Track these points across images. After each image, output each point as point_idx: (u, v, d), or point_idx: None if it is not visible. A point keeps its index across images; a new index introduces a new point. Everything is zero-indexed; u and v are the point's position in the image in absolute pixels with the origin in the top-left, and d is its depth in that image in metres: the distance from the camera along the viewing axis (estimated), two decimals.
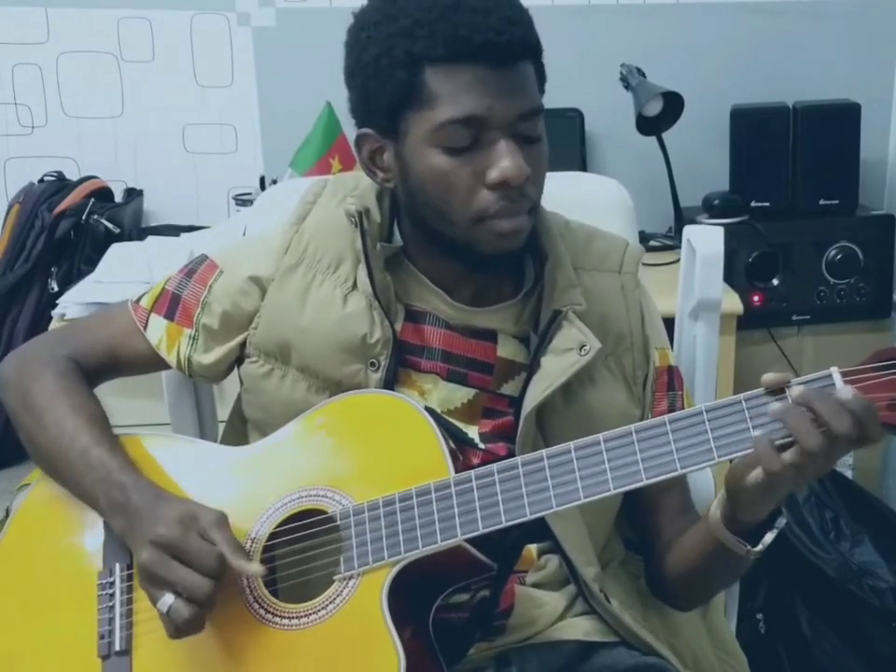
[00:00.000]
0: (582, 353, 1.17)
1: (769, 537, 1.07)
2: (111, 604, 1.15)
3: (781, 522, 1.07)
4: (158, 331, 1.29)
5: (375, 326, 1.19)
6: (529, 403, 1.17)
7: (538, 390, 1.17)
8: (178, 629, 1.06)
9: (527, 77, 1.11)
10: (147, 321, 1.30)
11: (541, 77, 1.14)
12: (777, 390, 1.00)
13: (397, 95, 1.10)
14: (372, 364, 1.19)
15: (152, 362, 1.31)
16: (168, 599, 1.05)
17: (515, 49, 1.08)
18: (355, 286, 1.21)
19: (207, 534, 1.07)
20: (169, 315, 1.29)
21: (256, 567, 1.08)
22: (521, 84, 1.10)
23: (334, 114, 2.32)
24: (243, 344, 1.27)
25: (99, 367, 1.30)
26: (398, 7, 1.10)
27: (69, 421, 1.20)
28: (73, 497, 1.20)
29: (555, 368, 1.17)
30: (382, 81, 1.11)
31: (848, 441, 0.96)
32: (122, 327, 1.31)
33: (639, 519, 1.29)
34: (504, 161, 1.09)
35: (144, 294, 1.32)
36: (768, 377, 1.00)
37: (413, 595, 1.09)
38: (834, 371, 0.99)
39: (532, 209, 1.15)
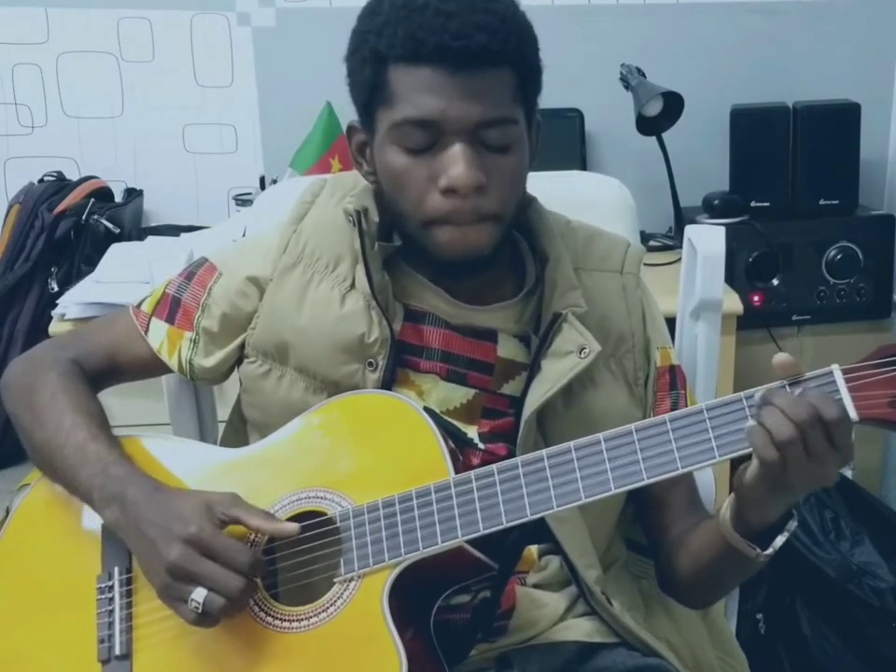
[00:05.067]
0: (582, 355, 1.17)
1: (779, 540, 1.05)
2: (111, 608, 1.15)
3: (792, 525, 1.05)
4: (159, 335, 1.29)
5: (373, 325, 1.19)
6: (529, 407, 1.16)
7: (538, 393, 1.16)
8: (202, 619, 1.05)
9: (495, 84, 1.08)
10: (149, 325, 1.30)
11: (526, 87, 1.11)
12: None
13: (366, 91, 1.11)
14: (370, 364, 1.19)
15: (154, 366, 1.31)
16: (202, 591, 1.04)
17: (475, 55, 1.06)
18: (353, 285, 1.21)
19: (229, 515, 1.07)
20: (170, 319, 1.29)
21: (292, 527, 1.08)
22: (483, 91, 1.07)
23: (334, 114, 2.32)
24: (242, 346, 1.27)
25: (101, 371, 1.30)
26: (383, 3, 1.10)
27: (68, 417, 1.20)
28: (71, 499, 1.19)
29: (555, 370, 1.16)
30: (356, 76, 1.12)
31: (812, 428, 0.94)
32: (124, 331, 1.31)
33: (646, 516, 1.28)
34: (455, 168, 1.08)
35: (145, 298, 1.32)
36: (779, 357, 0.99)
37: (414, 597, 1.09)
38: (835, 369, 0.99)
39: (492, 219, 1.12)
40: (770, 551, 1.06)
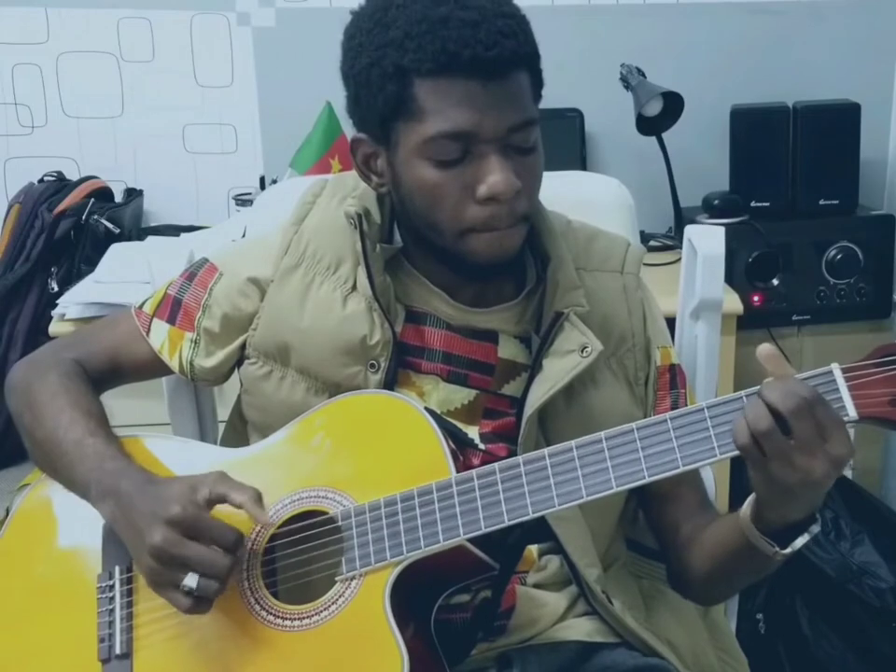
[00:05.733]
0: (584, 354, 1.17)
1: (799, 541, 1.04)
2: (111, 607, 1.15)
3: (815, 528, 1.04)
4: (160, 336, 1.29)
5: (375, 327, 1.19)
6: (531, 406, 1.16)
7: (539, 392, 1.16)
8: (197, 605, 1.05)
9: (519, 88, 1.09)
10: (150, 326, 1.30)
11: (537, 84, 1.13)
12: None
13: (387, 107, 1.10)
14: (372, 366, 1.19)
15: (155, 367, 1.31)
16: (194, 576, 1.04)
17: (505, 62, 1.06)
18: (354, 287, 1.21)
19: (215, 492, 1.07)
20: (171, 320, 1.29)
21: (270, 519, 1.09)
22: (512, 97, 1.08)
23: (334, 114, 2.32)
24: (243, 346, 1.27)
25: (103, 372, 1.30)
26: (390, 16, 1.08)
27: (66, 415, 1.20)
28: (71, 498, 1.19)
29: (557, 369, 1.17)
30: (373, 92, 1.10)
31: (797, 416, 0.94)
32: (126, 332, 1.31)
33: (656, 514, 1.28)
34: (493, 176, 1.08)
35: (147, 299, 1.33)
36: (764, 347, 0.99)
37: (414, 595, 1.09)
38: (835, 368, 0.99)
39: (524, 219, 1.14)
40: (789, 550, 1.05)
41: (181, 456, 1.23)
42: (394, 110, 1.09)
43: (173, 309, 1.29)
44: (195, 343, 1.28)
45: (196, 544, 1.05)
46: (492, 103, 1.07)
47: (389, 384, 1.20)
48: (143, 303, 1.32)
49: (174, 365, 1.30)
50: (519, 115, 1.09)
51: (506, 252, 1.14)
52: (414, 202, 1.13)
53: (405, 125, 1.09)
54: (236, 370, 1.30)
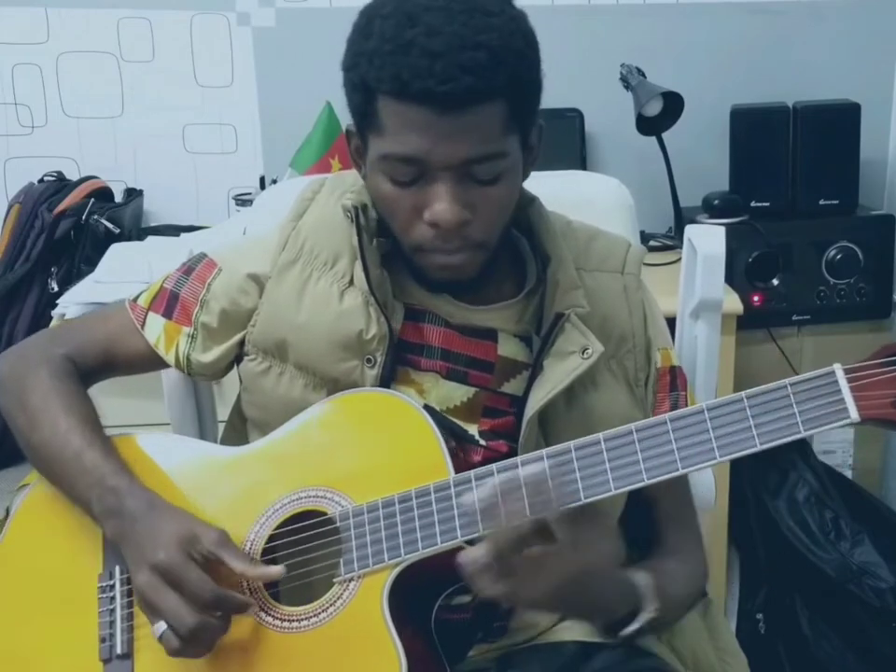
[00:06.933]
0: (585, 356, 1.16)
1: (629, 629, 1.08)
2: (112, 607, 1.15)
3: (643, 617, 1.08)
4: (156, 330, 1.29)
5: (371, 322, 1.19)
6: (532, 407, 1.16)
7: (540, 394, 1.16)
8: (174, 652, 1.06)
9: (484, 120, 1.05)
10: (145, 320, 1.29)
11: (521, 114, 1.09)
12: None
13: (357, 115, 1.11)
14: (368, 360, 1.19)
15: (150, 361, 1.31)
16: (161, 626, 1.05)
17: (460, 97, 1.03)
18: (351, 282, 1.21)
19: (213, 553, 1.07)
20: (167, 314, 1.28)
21: (277, 569, 1.09)
22: (470, 129, 1.05)
23: (334, 114, 2.32)
24: (241, 343, 1.26)
25: (95, 366, 1.30)
26: (373, 25, 1.07)
27: (62, 422, 1.20)
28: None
29: (558, 371, 1.16)
30: (348, 96, 1.12)
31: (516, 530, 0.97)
32: (120, 325, 1.31)
33: (643, 523, 1.28)
34: (438, 205, 1.08)
35: (141, 292, 1.32)
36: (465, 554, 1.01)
37: (413, 597, 1.09)
38: (837, 368, 0.99)
39: (477, 247, 1.13)
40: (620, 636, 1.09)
41: (177, 457, 1.22)
42: (362, 119, 1.10)
43: (169, 303, 1.29)
44: (192, 338, 1.28)
45: (173, 594, 1.05)
46: (446, 133, 1.04)
47: (386, 379, 1.19)
48: (137, 296, 1.32)
49: (170, 359, 1.29)
50: (477, 148, 1.06)
51: (460, 274, 1.15)
52: (378, 207, 1.16)
53: (371, 135, 1.10)
54: (235, 366, 1.30)
